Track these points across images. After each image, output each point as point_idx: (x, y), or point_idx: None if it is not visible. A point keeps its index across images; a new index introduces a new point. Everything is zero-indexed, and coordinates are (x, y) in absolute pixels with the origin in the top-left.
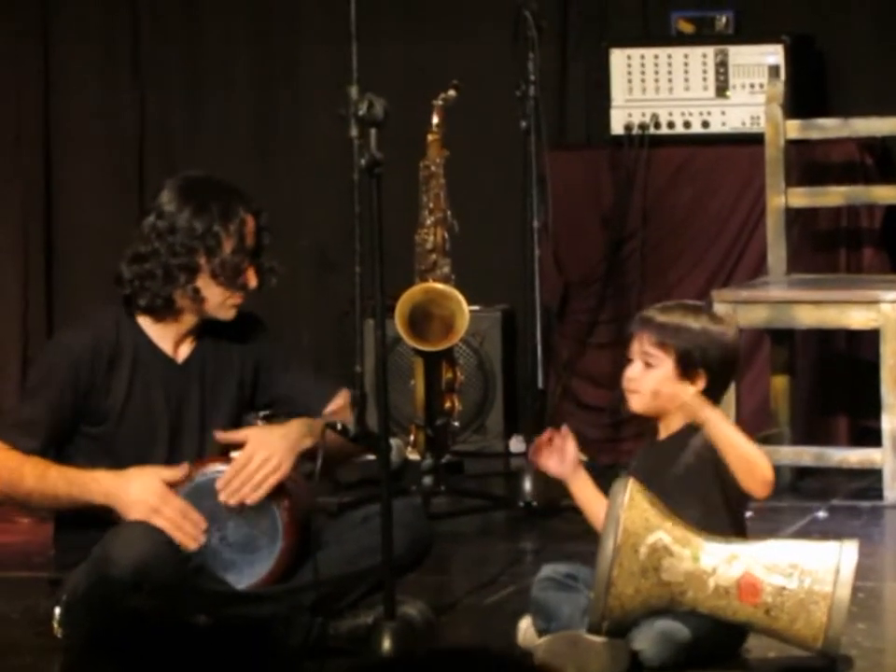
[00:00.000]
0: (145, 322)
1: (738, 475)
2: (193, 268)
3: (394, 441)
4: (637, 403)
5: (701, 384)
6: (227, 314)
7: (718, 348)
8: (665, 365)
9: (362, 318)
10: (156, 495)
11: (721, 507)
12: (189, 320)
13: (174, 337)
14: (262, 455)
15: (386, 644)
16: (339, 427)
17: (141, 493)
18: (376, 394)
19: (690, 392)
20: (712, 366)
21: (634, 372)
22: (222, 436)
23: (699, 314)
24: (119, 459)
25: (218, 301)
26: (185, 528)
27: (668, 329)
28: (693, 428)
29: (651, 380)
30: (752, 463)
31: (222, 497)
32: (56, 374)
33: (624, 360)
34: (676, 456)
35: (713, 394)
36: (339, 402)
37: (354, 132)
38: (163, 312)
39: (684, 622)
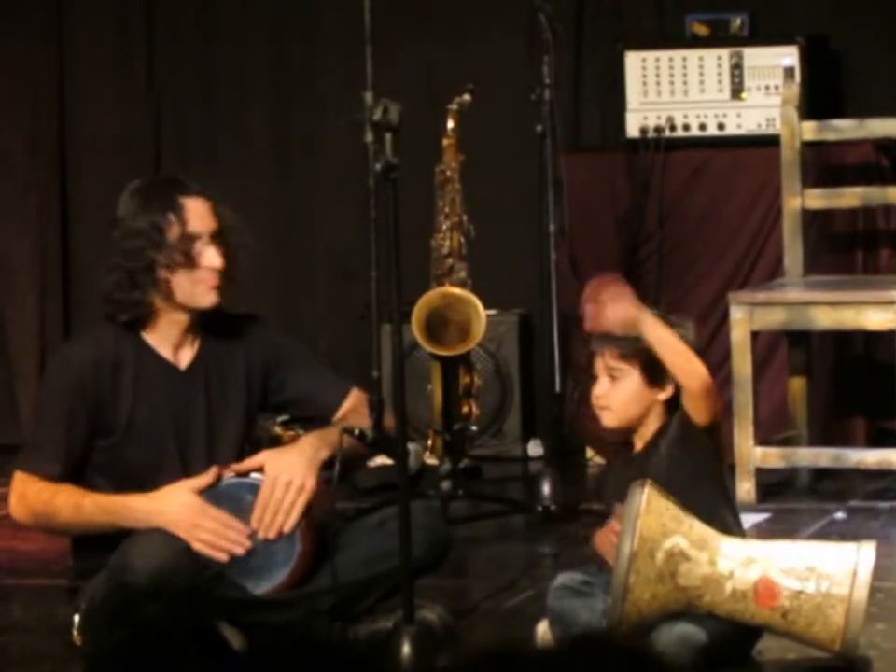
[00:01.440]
0: (141, 332)
1: (675, 373)
2: (148, 265)
3: (411, 447)
4: (610, 419)
5: (670, 389)
6: (206, 299)
7: None
8: (632, 376)
9: (379, 323)
10: (194, 510)
11: (706, 493)
12: (179, 319)
13: (172, 342)
14: (285, 479)
15: (406, 649)
16: (356, 432)
17: (179, 511)
18: (393, 399)
19: (661, 399)
20: None
21: (602, 389)
22: (237, 466)
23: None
24: (131, 468)
25: (188, 288)
26: (229, 536)
27: (628, 339)
28: (661, 434)
29: (621, 393)
30: (689, 360)
31: (260, 535)
32: (62, 392)
33: (589, 380)
34: (654, 464)
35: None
36: (352, 402)
37: (369, 137)
38: (147, 319)
39: (702, 625)
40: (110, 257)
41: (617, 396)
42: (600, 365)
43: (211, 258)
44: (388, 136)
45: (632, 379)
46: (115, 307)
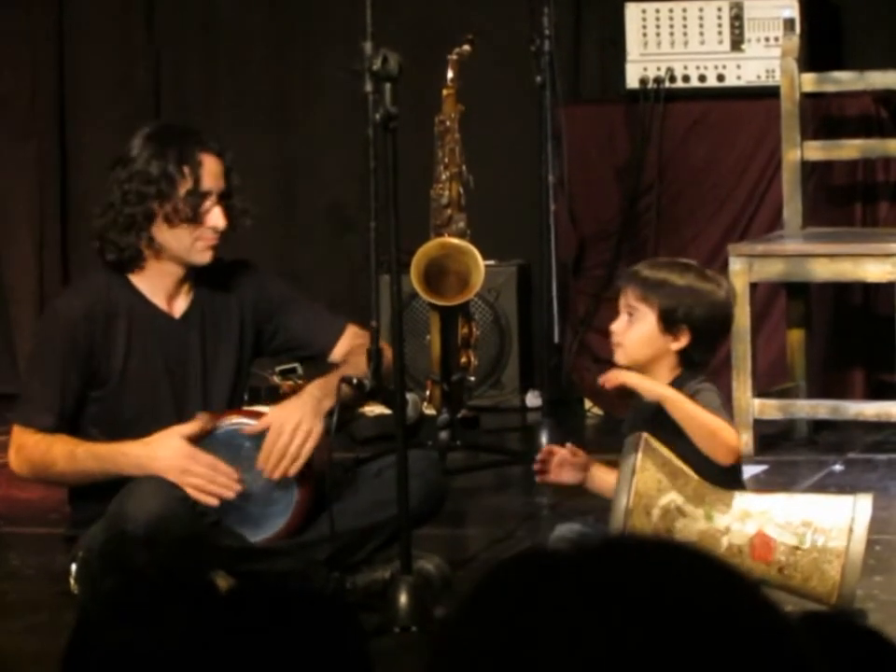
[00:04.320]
0: (135, 279)
1: (700, 445)
2: (147, 214)
3: (410, 396)
4: (621, 356)
5: (684, 340)
6: (201, 257)
7: (704, 306)
8: (648, 319)
9: (377, 274)
10: (184, 455)
11: (708, 468)
12: (172, 270)
13: (166, 290)
14: (291, 424)
15: (403, 598)
16: (354, 381)
17: (169, 457)
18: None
19: (673, 349)
20: (696, 324)
21: (618, 325)
22: (251, 429)
23: (686, 271)
24: (126, 419)
25: (185, 244)
26: (219, 481)
27: (651, 283)
28: (677, 383)
29: (634, 333)
30: (712, 433)
31: (265, 475)
32: (54, 343)
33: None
34: (663, 412)
35: (698, 352)
36: (349, 338)
37: (369, 86)
38: (135, 264)
39: None
40: (108, 193)
41: (631, 335)
42: (622, 301)
43: (216, 217)
44: (388, 86)
45: (647, 321)
46: (104, 245)
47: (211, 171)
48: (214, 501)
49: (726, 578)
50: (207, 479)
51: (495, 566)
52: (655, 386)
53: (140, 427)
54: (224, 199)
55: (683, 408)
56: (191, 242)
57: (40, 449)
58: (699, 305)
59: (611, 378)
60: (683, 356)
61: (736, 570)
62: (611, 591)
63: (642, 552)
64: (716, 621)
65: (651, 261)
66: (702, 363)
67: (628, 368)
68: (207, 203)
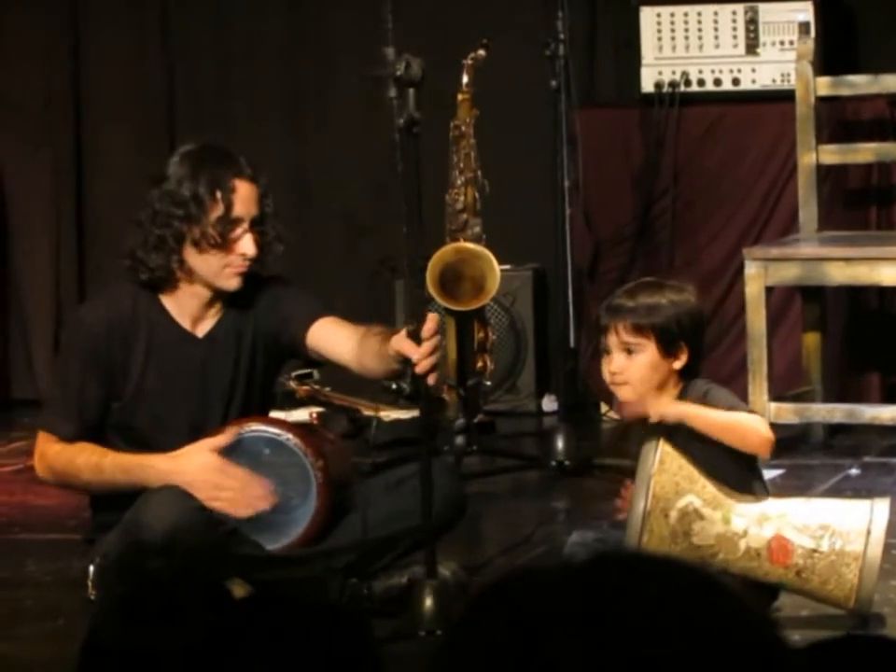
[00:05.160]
0: (163, 297)
1: (736, 446)
2: (177, 237)
3: (448, 399)
4: (628, 394)
5: (684, 357)
6: (228, 283)
7: (689, 316)
8: (648, 348)
9: (392, 279)
10: (213, 469)
11: (728, 466)
12: (200, 293)
13: (192, 311)
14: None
15: (428, 602)
16: (394, 386)
17: (199, 472)
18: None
19: (676, 368)
20: (689, 335)
21: (619, 364)
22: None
23: (662, 288)
24: (143, 433)
25: (213, 269)
26: (251, 493)
27: (642, 311)
28: (682, 396)
29: (638, 367)
30: (742, 432)
31: (419, 369)
32: (75, 352)
33: (601, 355)
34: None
35: (695, 362)
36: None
37: (392, 92)
38: (166, 284)
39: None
40: (141, 211)
41: (635, 370)
42: (613, 340)
43: (246, 245)
44: (411, 91)
45: (648, 351)
46: (135, 263)
47: (244, 197)
48: (248, 513)
49: (715, 598)
50: (239, 493)
51: (482, 589)
52: (671, 408)
53: (156, 442)
54: (256, 225)
55: (705, 419)
56: (220, 267)
57: (63, 458)
58: (687, 318)
59: (629, 411)
60: (682, 370)
61: (728, 590)
62: (593, 615)
63: (630, 571)
64: (701, 641)
65: (623, 291)
66: (697, 370)
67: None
68: (238, 230)
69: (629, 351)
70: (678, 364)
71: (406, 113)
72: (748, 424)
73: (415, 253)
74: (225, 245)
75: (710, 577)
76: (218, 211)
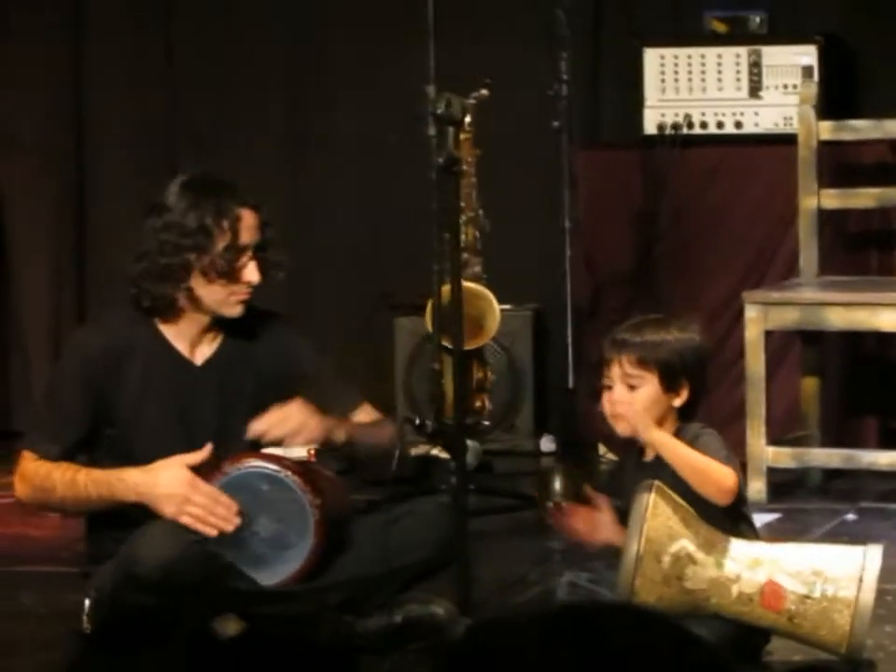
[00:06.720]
0: (161, 323)
1: (695, 487)
2: (184, 266)
3: (471, 443)
4: (626, 428)
5: (685, 394)
6: (232, 310)
7: (693, 353)
8: (651, 383)
9: (393, 316)
10: (184, 483)
11: (714, 508)
12: (200, 319)
13: (190, 337)
14: (304, 411)
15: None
16: (417, 422)
17: (169, 485)
18: (405, 390)
19: (675, 405)
20: (691, 372)
21: (620, 396)
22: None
23: (667, 324)
24: (136, 459)
25: (219, 297)
26: (218, 512)
27: (647, 346)
28: (675, 434)
29: (639, 401)
30: (704, 476)
31: (249, 434)
32: (68, 376)
33: (599, 394)
34: (669, 472)
35: (695, 401)
36: (364, 415)
37: (431, 130)
38: (169, 312)
39: (708, 626)
40: (143, 242)
41: (634, 403)
42: (616, 372)
43: (251, 273)
44: (451, 130)
45: (650, 385)
46: (139, 292)
47: (248, 225)
48: (212, 532)
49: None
50: (206, 509)
51: (454, 641)
52: (654, 432)
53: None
54: (258, 252)
55: (675, 452)
56: (225, 296)
57: (40, 474)
58: (690, 355)
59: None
60: (681, 409)
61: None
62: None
63: (600, 623)
64: None
65: (629, 326)
66: (695, 411)
67: (634, 436)
68: (244, 259)
69: (631, 385)
70: (678, 401)
71: (446, 152)
72: (714, 471)
73: (459, 297)
74: (232, 273)
75: (678, 627)
76: (225, 240)
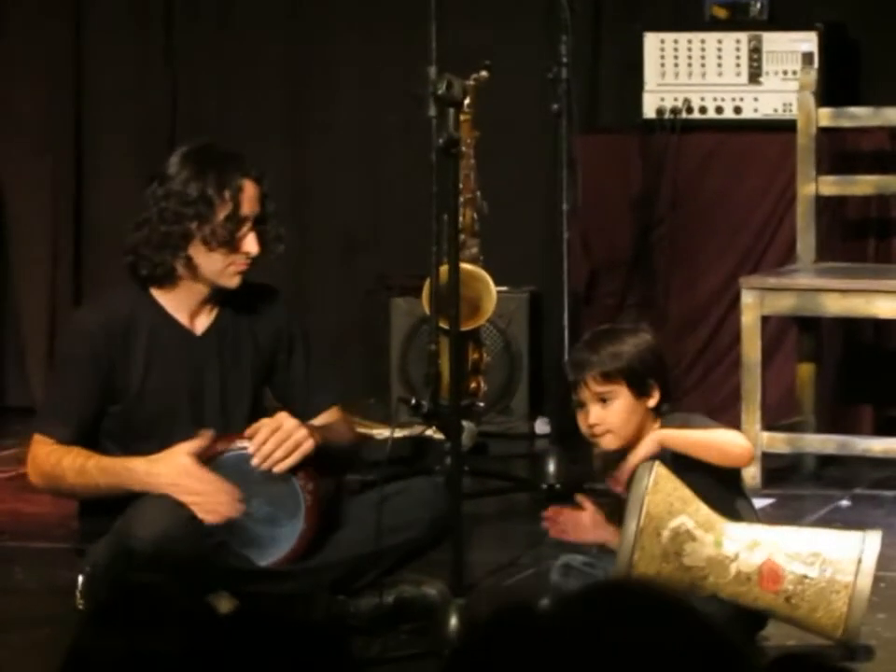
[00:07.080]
0: (159, 295)
1: (717, 461)
2: (184, 235)
3: (466, 424)
4: (612, 442)
5: (656, 393)
6: (230, 281)
7: (651, 353)
8: (622, 393)
9: (389, 297)
10: (187, 473)
11: (714, 493)
12: (199, 290)
13: (189, 308)
14: (292, 422)
15: (454, 621)
16: (412, 402)
17: (172, 475)
18: (400, 370)
19: (651, 406)
20: (656, 371)
21: (597, 415)
22: (243, 434)
23: (619, 334)
24: (143, 434)
25: (217, 267)
26: (222, 499)
27: (608, 359)
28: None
29: (616, 413)
30: (721, 446)
31: (255, 461)
32: (73, 357)
33: (576, 411)
34: (665, 458)
35: (666, 394)
36: (332, 415)
37: (432, 111)
38: (166, 281)
39: (704, 607)
40: (145, 210)
41: (613, 417)
42: (585, 393)
43: (251, 244)
44: (451, 111)
45: (622, 396)
46: (137, 260)
47: (250, 196)
48: (216, 519)
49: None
50: (210, 497)
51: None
52: (649, 443)
53: (156, 443)
54: (258, 224)
55: (684, 439)
56: (224, 266)
57: (51, 461)
58: (649, 356)
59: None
60: (657, 406)
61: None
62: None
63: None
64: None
65: (582, 345)
66: (669, 401)
67: (621, 449)
68: (244, 229)
69: (603, 400)
70: (652, 402)
71: (446, 133)
72: (726, 438)
73: (456, 278)
74: (232, 243)
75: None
76: (227, 210)
